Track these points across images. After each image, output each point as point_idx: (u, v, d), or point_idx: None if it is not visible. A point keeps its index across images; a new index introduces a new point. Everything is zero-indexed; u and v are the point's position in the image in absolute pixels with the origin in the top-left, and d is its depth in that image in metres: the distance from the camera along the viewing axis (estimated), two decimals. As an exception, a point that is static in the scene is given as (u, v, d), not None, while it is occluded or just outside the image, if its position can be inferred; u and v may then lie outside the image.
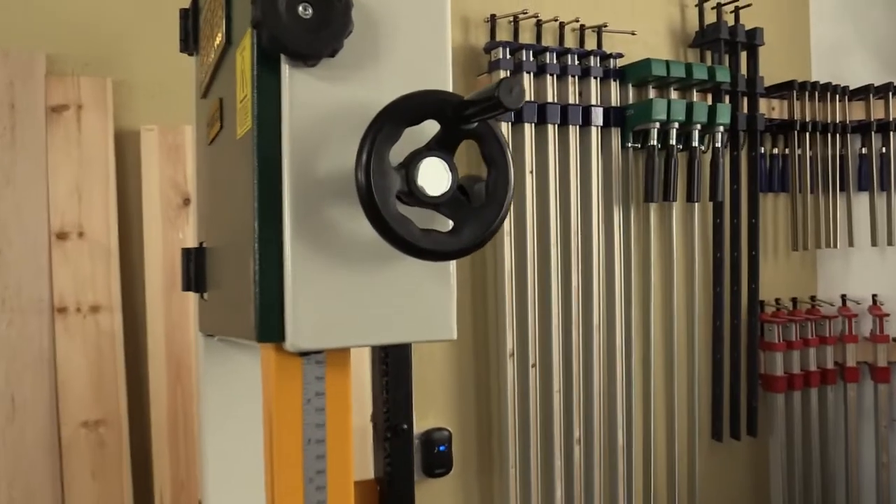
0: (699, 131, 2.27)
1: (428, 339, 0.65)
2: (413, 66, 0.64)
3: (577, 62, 2.13)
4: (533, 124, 2.06)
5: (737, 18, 2.42)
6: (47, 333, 1.55)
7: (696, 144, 2.27)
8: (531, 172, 2.08)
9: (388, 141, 0.56)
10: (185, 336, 1.62)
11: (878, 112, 2.56)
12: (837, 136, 2.56)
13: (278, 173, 0.61)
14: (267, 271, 0.60)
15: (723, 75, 2.27)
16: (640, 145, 2.24)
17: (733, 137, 2.44)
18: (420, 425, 1.99)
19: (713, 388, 2.45)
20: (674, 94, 2.28)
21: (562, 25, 2.17)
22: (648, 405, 2.29)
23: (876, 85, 2.55)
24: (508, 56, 2.03)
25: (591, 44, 2.23)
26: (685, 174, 2.32)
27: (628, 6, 2.34)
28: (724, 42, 2.38)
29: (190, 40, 1.04)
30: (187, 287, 0.99)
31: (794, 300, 2.61)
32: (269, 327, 0.61)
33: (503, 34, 2.12)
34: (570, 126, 2.11)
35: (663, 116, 2.14)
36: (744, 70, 2.45)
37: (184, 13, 1.04)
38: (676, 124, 2.19)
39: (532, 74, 2.06)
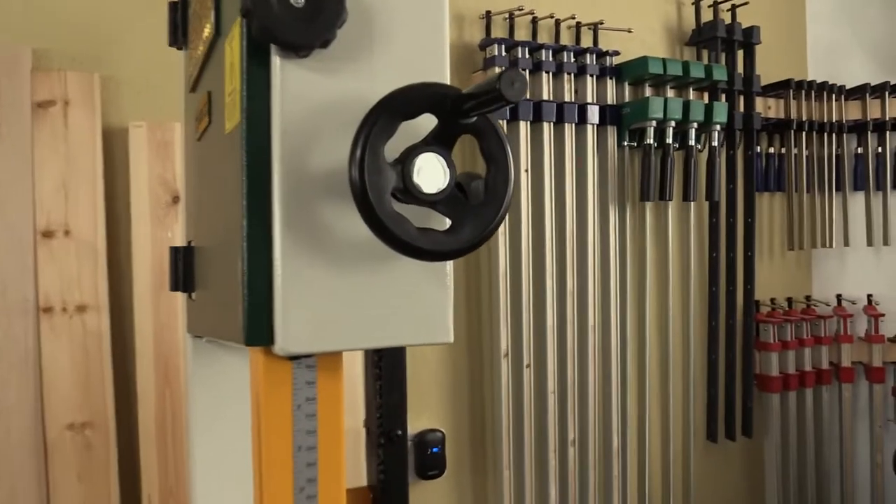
0: (695, 130, 2.25)
1: (424, 342, 0.63)
2: (409, 57, 0.61)
3: (573, 59, 2.11)
4: (528, 122, 2.04)
5: (733, 16, 2.40)
6: (32, 334, 1.52)
7: (693, 143, 2.25)
8: (526, 171, 2.06)
9: (383, 136, 0.54)
10: (173, 337, 1.59)
11: (874, 112, 2.55)
12: (833, 135, 2.55)
13: (268, 169, 0.58)
14: (255, 272, 0.58)
15: (720, 74, 2.26)
16: (636, 144, 2.23)
17: (729, 136, 2.43)
18: (413, 426, 1.97)
19: (708, 389, 2.43)
20: (670, 93, 2.26)
21: (558, 22, 2.15)
22: (643, 406, 2.28)
23: (872, 84, 2.54)
24: (504, 53, 2.01)
25: (587, 41, 2.21)
26: (681, 173, 2.30)
27: (625, 3, 2.32)
28: (721, 40, 2.37)
29: (179, 34, 1.02)
30: (175, 287, 0.96)
31: (789, 300, 2.60)
32: (258, 330, 0.58)
33: (498, 31, 2.10)
34: (566, 124, 2.09)
35: (660, 115, 2.13)
36: (740, 69, 2.43)
37: (172, 6, 1.01)
38: (673, 123, 2.18)
39: (527, 72, 2.04)
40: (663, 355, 2.34)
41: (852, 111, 2.57)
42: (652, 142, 2.17)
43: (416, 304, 0.61)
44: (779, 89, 2.51)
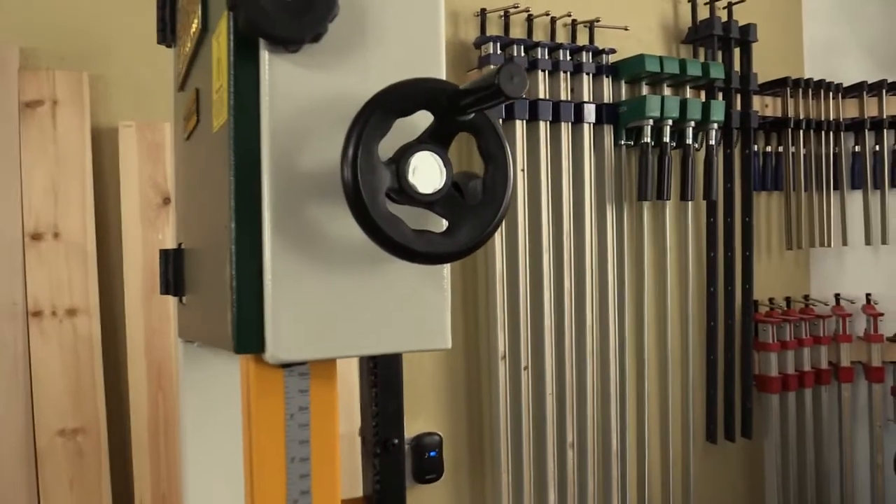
0: (693, 129, 2.23)
1: (420, 348, 0.61)
2: (403, 52, 0.59)
3: (569, 58, 2.09)
4: (524, 121, 2.02)
5: (730, 14, 2.39)
6: (21, 338, 1.49)
7: (690, 142, 2.24)
8: (523, 171, 2.04)
9: (376, 134, 0.52)
10: (165, 341, 1.57)
11: (871, 110, 2.54)
12: (831, 133, 2.54)
13: (257, 169, 0.56)
14: (245, 276, 0.55)
15: (717, 72, 2.24)
16: (633, 143, 2.21)
17: (727, 135, 2.41)
18: (410, 430, 1.94)
19: (707, 390, 2.42)
20: (667, 91, 2.24)
21: (553, 20, 2.13)
22: (642, 407, 2.26)
23: (869, 82, 2.53)
24: (499, 51, 1.99)
25: (583, 39, 2.19)
26: (679, 172, 2.28)
27: (621, 1, 2.30)
28: (718, 38, 2.35)
29: (167, 31, 0.99)
30: (165, 290, 0.94)
31: (787, 300, 2.59)
32: (248, 337, 0.56)
33: (493, 29, 2.07)
34: (562, 123, 2.08)
35: (657, 113, 2.11)
36: (737, 67, 2.42)
37: (161, 2, 0.98)
38: (670, 121, 2.16)
39: (523, 70, 2.02)
40: (662, 356, 2.33)
41: (849, 109, 2.56)
42: (649, 141, 2.15)
43: (413, 309, 0.59)
44: (776, 87, 2.49)
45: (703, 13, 2.38)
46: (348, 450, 1.43)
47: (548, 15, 2.12)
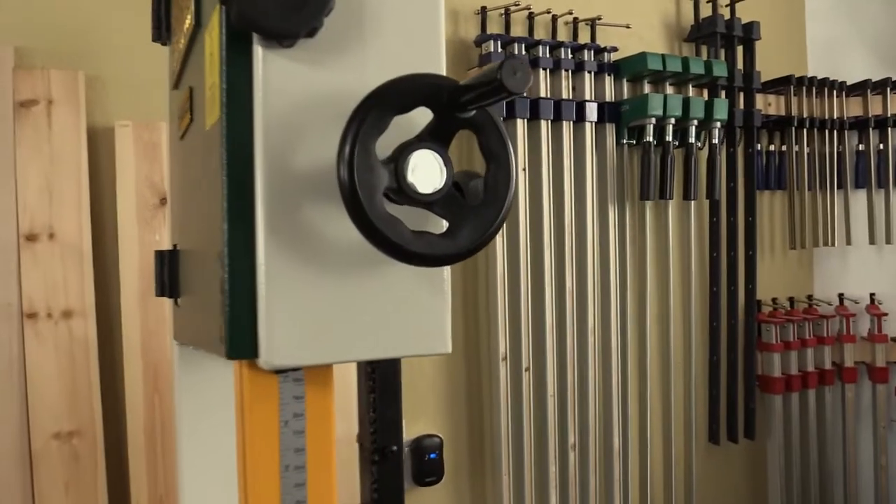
0: (696, 127, 2.21)
1: (419, 353, 0.59)
2: (402, 47, 0.57)
3: (570, 56, 2.07)
4: (525, 120, 2.00)
5: (732, 12, 2.36)
6: (16, 340, 1.48)
7: (693, 141, 2.22)
8: (524, 170, 2.02)
9: (374, 131, 0.50)
10: (162, 343, 1.55)
11: (875, 108, 2.52)
12: (835, 132, 2.52)
13: (250, 168, 0.54)
14: (237, 279, 0.54)
15: (720, 70, 2.22)
16: (635, 142, 2.19)
17: (730, 134, 2.39)
18: (410, 432, 1.93)
19: (710, 391, 2.40)
20: (669, 90, 2.22)
21: (554, 18, 2.11)
22: (644, 408, 2.24)
23: (874, 80, 2.51)
24: (500, 49, 1.97)
25: (584, 37, 2.17)
26: (681, 171, 2.26)
27: (622, -1, 2.29)
28: (720, 36, 2.33)
29: (162, 28, 0.97)
30: (161, 292, 0.92)
31: (791, 300, 2.57)
32: (241, 342, 0.54)
33: (494, 27, 2.06)
34: (564, 122, 2.06)
35: (659, 112, 2.09)
36: (740, 65, 2.40)
37: (156, -1, 0.97)
38: (673, 120, 2.14)
39: (524, 69, 2.00)
40: (664, 357, 2.31)
41: (853, 108, 2.54)
42: (651, 139, 2.14)
43: (411, 313, 0.57)
44: (779, 86, 2.47)
45: (706, 11, 2.36)
46: (347, 456, 1.41)
47: (549, 13, 2.10)
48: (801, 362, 2.49)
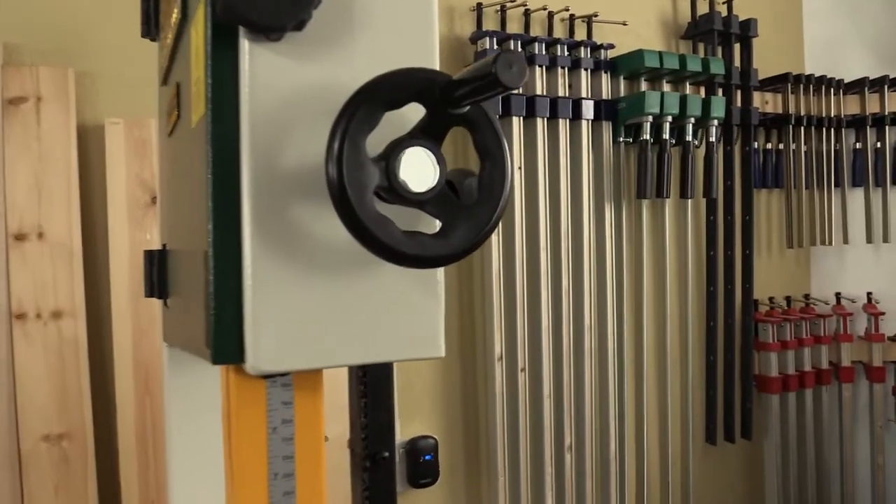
0: (693, 125, 2.19)
1: (411, 357, 0.57)
2: (393, 41, 0.55)
3: (566, 53, 2.05)
4: (521, 118, 1.98)
5: (730, 9, 2.35)
6: (5, 341, 1.45)
7: (690, 139, 2.20)
8: (520, 168, 2.01)
9: (364, 128, 0.48)
10: (153, 344, 1.53)
11: (873, 106, 2.51)
12: (832, 130, 2.51)
13: (236, 166, 0.52)
14: (223, 280, 0.52)
15: (717, 67, 2.21)
16: (632, 140, 2.18)
17: (727, 132, 2.38)
18: (405, 433, 1.91)
19: (707, 390, 2.39)
20: (666, 87, 2.21)
21: (551, 15, 2.09)
22: (641, 408, 2.23)
23: (871, 78, 2.50)
24: (495, 46, 1.96)
25: (580, 34, 2.16)
26: (678, 170, 2.25)
27: (619, -4, 2.27)
28: (717, 33, 2.32)
29: (151, 23, 0.95)
30: (150, 293, 0.91)
31: (788, 299, 2.56)
32: (226, 346, 0.52)
33: (490, 24, 2.04)
34: (560, 120, 2.04)
35: (656, 110, 2.07)
36: (737, 62, 2.38)
37: (145, -8, 0.95)
38: (670, 118, 2.12)
39: (520, 66, 1.98)
40: (661, 356, 2.30)
41: (851, 105, 2.53)
42: (648, 138, 2.12)
43: (403, 316, 0.56)
44: (776, 83, 2.46)
45: (703, 8, 2.35)
46: (339, 460, 1.39)
47: (545, 10, 2.08)
48: (798, 362, 2.48)
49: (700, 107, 2.16)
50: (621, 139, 2.15)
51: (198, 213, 0.55)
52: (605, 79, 2.12)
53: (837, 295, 2.57)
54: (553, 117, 2.03)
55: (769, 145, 2.51)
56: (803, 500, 2.50)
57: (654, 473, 2.30)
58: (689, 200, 2.29)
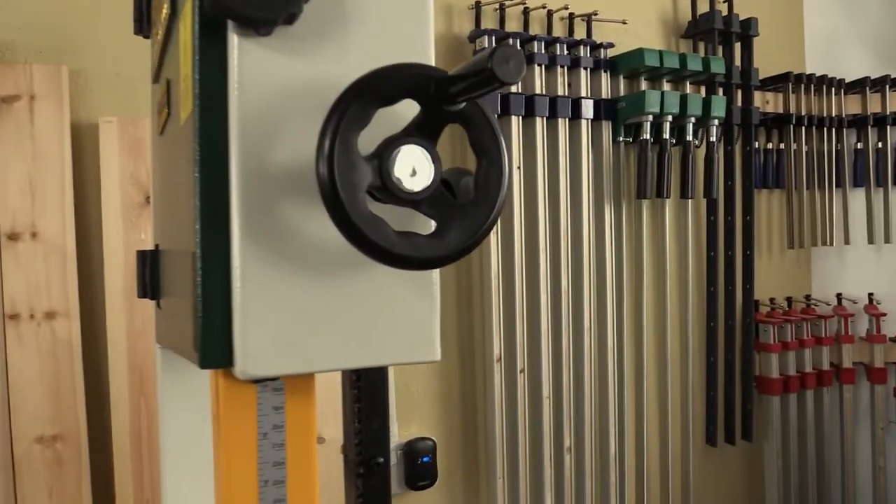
0: (693, 125, 2.18)
1: (406, 361, 0.55)
2: (387, 35, 0.54)
3: (566, 52, 2.04)
4: (520, 117, 1.97)
5: (730, 8, 2.34)
6: (-2, 342, 1.44)
7: (690, 139, 2.19)
8: (519, 168, 1.99)
9: (356, 125, 0.46)
10: (147, 345, 1.51)
11: (874, 106, 2.49)
12: (833, 130, 2.49)
13: (224, 164, 0.50)
14: (211, 282, 0.50)
15: (718, 66, 2.19)
16: (631, 139, 2.16)
17: (727, 131, 2.36)
18: (402, 435, 1.90)
19: (707, 392, 2.37)
20: (666, 86, 2.19)
21: (550, 13, 2.08)
22: (641, 410, 2.21)
23: (872, 78, 2.49)
24: (494, 45, 1.93)
25: (580, 33, 2.14)
26: (679, 170, 2.23)
27: (619, -6, 2.25)
28: (718, 32, 2.30)
29: (144, 20, 0.94)
30: (143, 294, 0.90)
31: (788, 300, 2.54)
32: (215, 350, 0.51)
33: (488, 22, 2.02)
34: (559, 119, 2.02)
35: (656, 109, 2.06)
36: (737, 62, 2.37)
37: (137, -12, 0.93)
38: (670, 117, 2.11)
39: (519, 65, 1.97)
40: (661, 357, 2.28)
41: (852, 105, 2.52)
42: (648, 137, 2.11)
43: (397, 319, 0.54)
44: (777, 83, 2.45)
45: (703, 7, 2.34)
46: (333, 464, 1.37)
47: (544, 8, 2.07)
48: (798, 363, 2.46)
49: (700, 106, 2.15)
50: (621, 139, 2.14)
51: (186, 213, 0.54)
52: (605, 78, 2.11)
53: (838, 296, 2.56)
54: (552, 117, 2.01)
55: (770, 145, 2.50)
56: (804, 502, 2.49)
57: (653, 475, 2.28)
58: (690, 200, 2.28)
